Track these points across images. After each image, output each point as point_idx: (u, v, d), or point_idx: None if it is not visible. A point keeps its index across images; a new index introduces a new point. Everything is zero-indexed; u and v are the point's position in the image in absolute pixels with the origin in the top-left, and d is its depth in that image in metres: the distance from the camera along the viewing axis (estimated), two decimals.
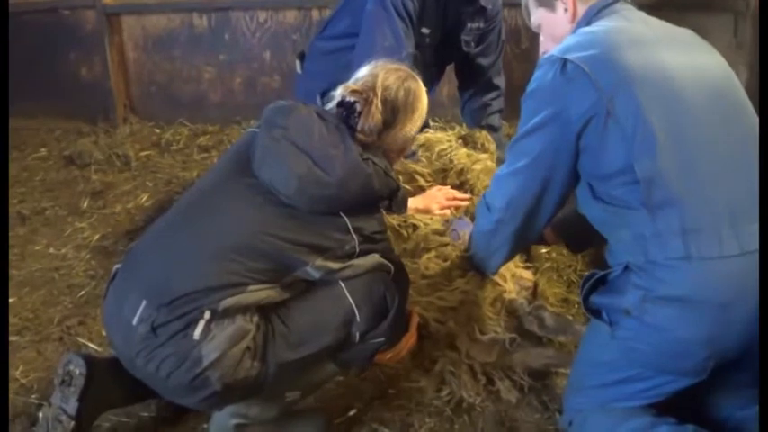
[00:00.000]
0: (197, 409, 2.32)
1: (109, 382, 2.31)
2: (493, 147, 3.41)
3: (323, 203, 2.18)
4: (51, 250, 3.65)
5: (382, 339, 2.32)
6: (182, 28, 5.07)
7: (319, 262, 2.18)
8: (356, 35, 3.39)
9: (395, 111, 2.37)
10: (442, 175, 3.17)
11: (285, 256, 2.16)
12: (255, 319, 2.15)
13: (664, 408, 2.10)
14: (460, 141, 3.36)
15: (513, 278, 2.75)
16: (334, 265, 2.21)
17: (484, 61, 3.80)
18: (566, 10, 2.30)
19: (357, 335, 2.26)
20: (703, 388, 2.07)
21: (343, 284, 2.24)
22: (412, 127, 2.43)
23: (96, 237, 3.76)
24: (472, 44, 3.69)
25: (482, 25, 3.65)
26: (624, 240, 2.07)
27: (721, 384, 2.10)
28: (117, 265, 2.31)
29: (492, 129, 3.73)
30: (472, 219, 2.83)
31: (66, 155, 4.68)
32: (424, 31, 3.42)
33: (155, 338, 2.07)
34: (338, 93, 2.36)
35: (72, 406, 2.22)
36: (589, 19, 2.23)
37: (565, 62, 2.04)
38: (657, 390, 2.07)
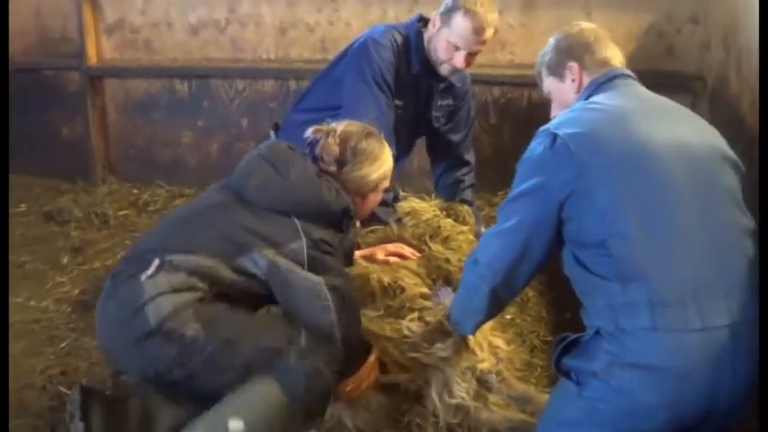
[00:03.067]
0: (142, 373, 2.44)
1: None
2: (472, 220, 3.56)
3: (277, 201, 2.55)
4: (32, 303, 3.74)
5: (317, 365, 2.42)
6: (162, 93, 5.21)
7: (267, 251, 2.48)
8: (331, 108, 3.50)
9: (353, 152, 2.74)
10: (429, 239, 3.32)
11: (237, 237, 2.49)
12: (203, 285, 2.43)
13: None
14: (444, 213, 3.50)
15: (490, 347, 2.88)
16: (282, 262, 2.48)
17: (454, 137, 3.94)
18: (573, 80, 2.54)
19: (294, 353, 2.41)
20: None
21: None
22: (368, 172, 2.75)
23: (76, 291, 3.86)
24: (442, 120, 3.84)
25: (451, 102, 3.81)
26: (598, 307, 2.20)
27: None
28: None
29: (467, 203, 3.86)
30: (454, 289, 2.95)
31: (45, 211, 4.78)
32: (398, 102, 3.56)
33: (113, 287, 2.43)
34: (307, 133, 2.77)
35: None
36: (591, 91, 2.45)
37: (555, 137, 2.21)
38: None
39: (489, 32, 3.41)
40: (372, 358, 2.65)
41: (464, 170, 4.03)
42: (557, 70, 2.60)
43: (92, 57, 5.09)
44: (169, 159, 5.32)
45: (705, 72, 4.46)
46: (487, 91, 4.85)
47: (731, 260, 2.12)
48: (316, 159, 2.70)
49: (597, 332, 2.20)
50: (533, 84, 4.65)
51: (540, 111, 4.72)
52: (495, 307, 2.51)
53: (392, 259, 3.14)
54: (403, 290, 2.96)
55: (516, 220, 2.30)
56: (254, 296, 2.54)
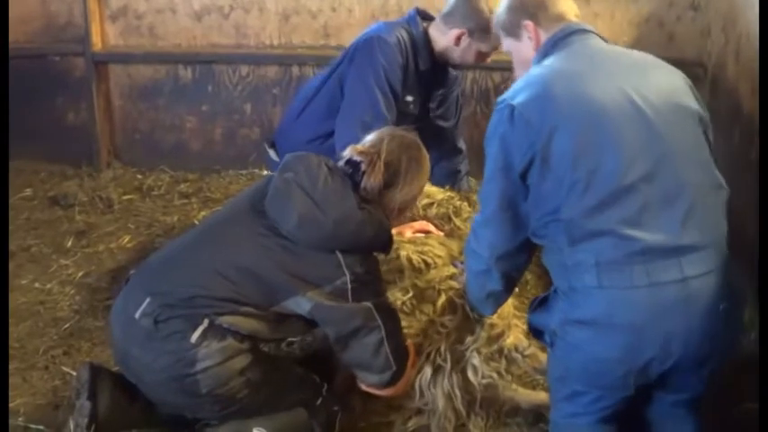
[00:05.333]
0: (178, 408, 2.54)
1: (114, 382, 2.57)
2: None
3: (318, 240, 2.43)
4: (37, 285, 3.80)
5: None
6: (167, 78, 5.23)
7: (311, 293, 2.43)
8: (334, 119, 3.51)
9: (396, 174, 2.61)
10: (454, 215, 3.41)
11: (277, 283, 2.42)
12: (250, 344, 2.43)
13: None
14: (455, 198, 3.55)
15: (516, 327, 2.94)
16: (327, 302, 2.44)
17: (444, 124, 3.94)
18: (530, 38, 2.49)
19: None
20: (644, 407, 2.31)
21: None
22: (410, 190, 2.67)
23: (80, 274, 3.91)
24: (433, 106, 3.85)
25: (443, 90, 3.84)
26: (555, 267, 2.28)
27: (655, 401, 2.32)
28: (132, 271, 2.59)
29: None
30: None
31: (50, 196, 4.83)
32: (408, 98, 3.59)
33: (156, 332, 2.33)
34: (346, 152, 2.61)
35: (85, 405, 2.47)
36: (547, 50, 2.40)
37: (512, 110, 2.20)
38: (598, 404, 2.24)
39: None
40: (412, 355, 2.70)
41: (459, 158, 4.06)
42: (513, 30, 2.54)
43: (96, 43, 5.10)
44: (173, 144, 5.35)
45: (705, 59, 4.48)
46: (488, 77, 4.87)
47: (688, 218, 2.11)
48: (356, 185, 2.55)
49: (555, 291, 2.28)
50: None
51: None
52: (509, 287, 2.50)
53: (419, 235, 3.20)
54: (428, 265, 3.00)
55: (495, 202, 2.29)
56: (294, 328, 2.61)
